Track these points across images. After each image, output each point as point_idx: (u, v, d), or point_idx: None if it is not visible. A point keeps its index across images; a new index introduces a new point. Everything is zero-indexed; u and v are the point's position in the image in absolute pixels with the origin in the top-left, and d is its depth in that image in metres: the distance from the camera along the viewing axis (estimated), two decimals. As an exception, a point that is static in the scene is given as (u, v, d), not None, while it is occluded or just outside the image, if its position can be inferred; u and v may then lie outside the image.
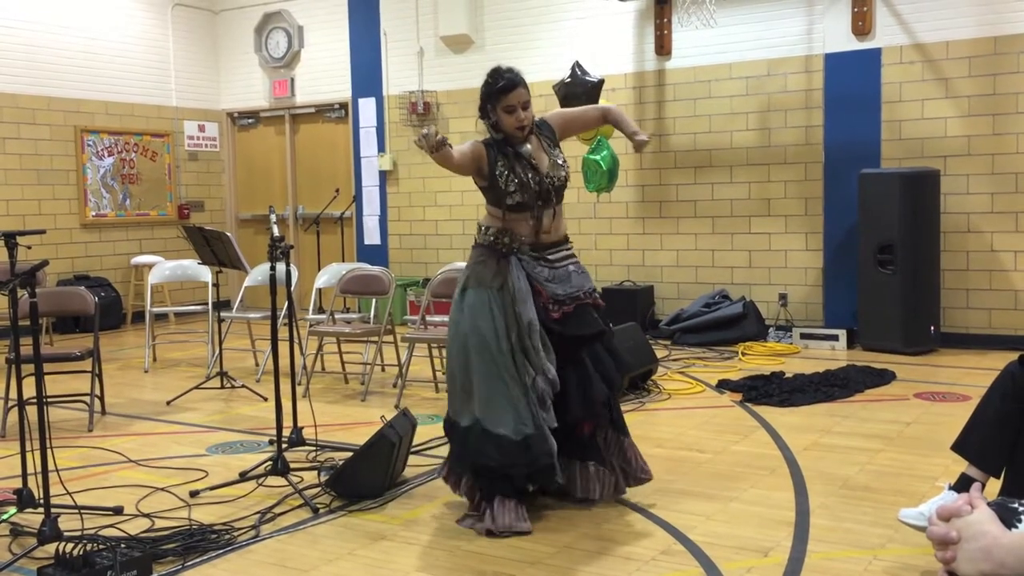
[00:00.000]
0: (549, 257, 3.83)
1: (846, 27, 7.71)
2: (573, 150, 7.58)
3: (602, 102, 7.50)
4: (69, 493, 3.66)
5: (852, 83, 7.69)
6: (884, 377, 6.27)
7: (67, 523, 3.52)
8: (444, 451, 4.58)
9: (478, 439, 3.64)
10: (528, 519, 3.63)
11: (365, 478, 3.98)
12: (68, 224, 9.70)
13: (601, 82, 7.66)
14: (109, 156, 10.05)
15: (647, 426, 5.18)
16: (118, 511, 3.84)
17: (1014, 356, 3.28)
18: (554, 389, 3.68)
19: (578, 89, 7.53)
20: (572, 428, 3.78)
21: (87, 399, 5.59)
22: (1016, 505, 1.39)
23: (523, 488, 3.70)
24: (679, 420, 5.34)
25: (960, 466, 3.35)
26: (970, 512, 1.38)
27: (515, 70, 3.77)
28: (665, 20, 8.42)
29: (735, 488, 4.04)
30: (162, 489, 4.17)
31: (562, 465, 3.78)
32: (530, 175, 3.73)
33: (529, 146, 3.80)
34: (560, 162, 3.87)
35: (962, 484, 3.21)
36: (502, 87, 3.71)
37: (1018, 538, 1.30)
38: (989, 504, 1.40)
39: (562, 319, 3.75)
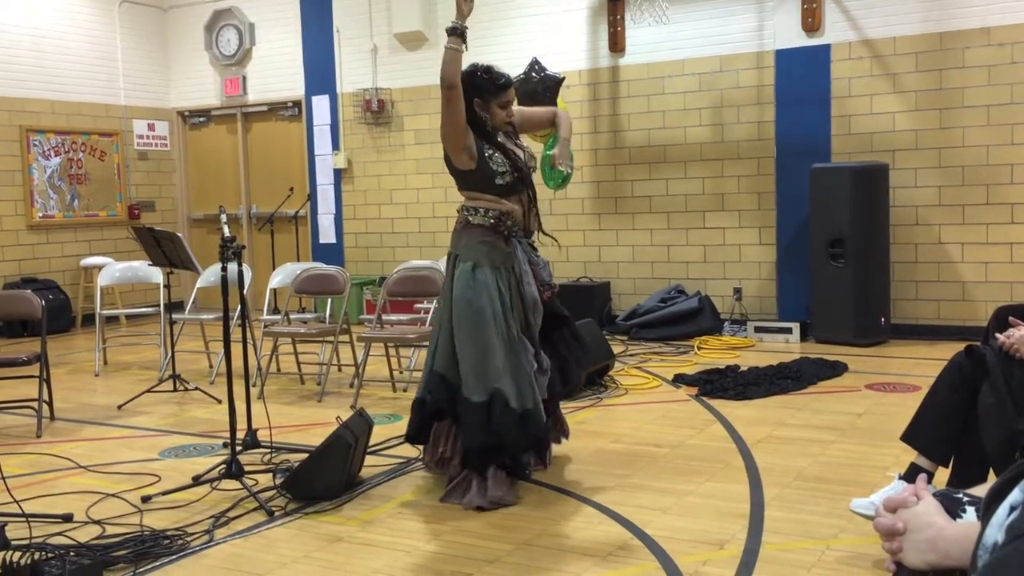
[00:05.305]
0: (532, 244, 4.16)
1: (796, 23, 7.80)
2: (531, 148, 7.60)
3: (559, 103, 7.52)
4: (16, 501, 3.59)
5: (802, 79, 7.79)
6: (836, 369, 6.36)
7: (15, 531, 3.45)
8: (402, 451, 4.59)
9: (501, 413, 3.77)
10: (515, 492, 3.87)
11: (321, 479, 3.95)
12: (14, 226, 9.48)
13: (561, 79, 7.66)
14: (56, 156, 9.85)
15: (605, 422, 5.20)
16: (67, 518, 3.76)
17: (962, 346, 3.34)
18: (542, 365, 4.02)
19: (538, 87, 7.51)
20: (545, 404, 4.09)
21: (35, 404, 5.47)
22: (960, 495, 1.42)
23: (518, 461, 3.96)
24: (636, 415, 5.36)
25: (910, 456, 3.41)
26: (916, 503, 1.40)
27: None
28: (618, 17, 8.45)
29: (691, 482, 4.08)
30: (113, 495, 4.09)
31: None
32: (513, 159, 4.01)
33: (501, 138, 4.08)
34: (527, 155, 4.18)
35: (912, 474, 3.26)
36: (503, 84, 3.99)
37: (962, 528, 1.32)
38: (934, 495, 1.42)
39: (549, 300, 4.11)
